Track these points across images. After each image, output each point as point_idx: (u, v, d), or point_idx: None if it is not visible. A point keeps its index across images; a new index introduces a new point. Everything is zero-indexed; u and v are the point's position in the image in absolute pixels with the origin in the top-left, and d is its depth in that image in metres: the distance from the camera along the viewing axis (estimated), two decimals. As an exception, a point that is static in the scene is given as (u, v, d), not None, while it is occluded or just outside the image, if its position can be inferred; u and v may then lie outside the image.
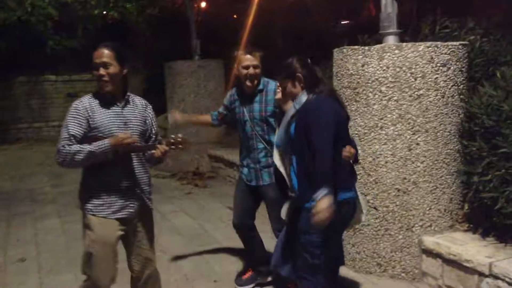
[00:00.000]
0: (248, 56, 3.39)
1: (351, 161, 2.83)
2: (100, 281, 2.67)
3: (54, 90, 12.55)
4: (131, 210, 2.71)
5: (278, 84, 3.11)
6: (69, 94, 12.43)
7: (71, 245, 4.62)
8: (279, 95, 3.15)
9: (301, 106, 2.77)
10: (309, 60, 2.87)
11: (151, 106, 2.90)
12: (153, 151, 2.69)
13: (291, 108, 2.84)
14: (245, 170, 3.60)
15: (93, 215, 2.64)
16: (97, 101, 2.67)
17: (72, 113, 2.62)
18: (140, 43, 13.24)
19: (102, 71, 2.62)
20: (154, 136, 2.86)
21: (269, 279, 3.75)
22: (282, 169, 2.96)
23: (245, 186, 3.60)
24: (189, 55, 8.22)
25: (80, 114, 2.60)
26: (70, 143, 2.54)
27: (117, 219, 2.67)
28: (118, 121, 2.67)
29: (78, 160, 2.53)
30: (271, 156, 3.24)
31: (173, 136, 2.70)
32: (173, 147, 2.68)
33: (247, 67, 3.38)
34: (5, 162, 9.07)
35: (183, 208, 5.86)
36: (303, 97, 2.78)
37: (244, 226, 3.64)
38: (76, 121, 2.58)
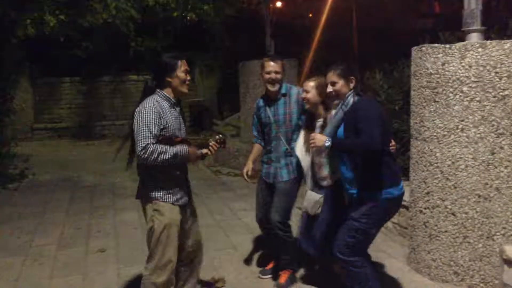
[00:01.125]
0: (271, 62, 3.66)
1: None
2: (172, 260, 2.98)
3: (136, 89, 13.15)
4: (187, 198, 3.11)
5: (313, 84, 3.37)
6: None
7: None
8: (305, 95, 3.40)
9: (349, 107, 2.98)
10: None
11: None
12: (207, 151, 3.07)
13: (338, 111, 3.05)
14: (265, 168, 3.80)
15: (164, 201, 2.95)
16: (165, 103, 2.97)
17: (149, 113, 2.84)
18: (217, 44, 13.55)
19: (189, 76, 3.05)
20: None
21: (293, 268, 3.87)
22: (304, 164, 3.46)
23: (264, 184, 3.82)
24: (263, 55, 8.27)
25: (156, 115, 2.85)
26: (154, 142, 2.80)
27: (179, 206, 3.02)
28: (177, 122, 3.00)
29: (162, 159, 2.81)
30: (291, 156, 3.64)
31: (217, 136, 3.14)
32: (220, 146, 3.12)
33: (269, 73, 3.65)
34: (90, 157, 9.62)
35: (254, 206, 5.89)
36: (350, 99, 3.00)
37: (267, 222, 3.77)
38: (155, 122, 2.83)
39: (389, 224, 4.89)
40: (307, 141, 3.40)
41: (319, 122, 3.42)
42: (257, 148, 3.93)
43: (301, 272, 3.92)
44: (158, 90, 2.99)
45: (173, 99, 3.01)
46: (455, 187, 3.58)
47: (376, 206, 2.97)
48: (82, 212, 5.84)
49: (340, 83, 3.02)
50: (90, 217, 5.63)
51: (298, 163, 3.60)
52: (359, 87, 3.05)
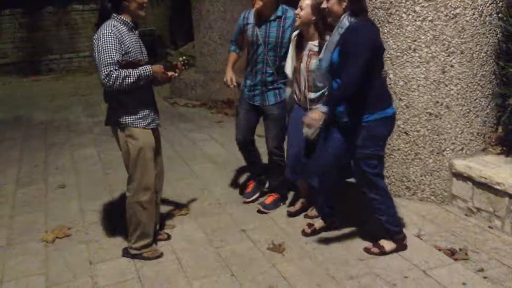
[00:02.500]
0: None
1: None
2: (150, 182, 3.09)
3: (82, 20, 12.49)
4: (158, 122, 3.17)
5: (308, 2, 3.18)
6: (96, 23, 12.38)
7: (108, 172, 4.81)
8: (298, 11, 3.23)
9: (344, 30, 2.81)
10: None
11: None
12: (173, 73, 3.10)
13: (335, 34, 2.88)
14: (247, 91, 3.75)
15: (135, 127, 3.00)
16: (123, 27, 2.91)
17: (108, 40, 2.80)
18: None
19: None
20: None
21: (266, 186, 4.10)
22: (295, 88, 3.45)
23: (247, 105, 3.78)
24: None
25: (116, 41, 2.82)
26: (117, 68, 2.79)
27: (151, 129, 3.08)
28: (137, 45, 2.97)
29: (127, 83, 2.83)
30: (277, 80, 3.61)
31: (181, 58, 3.20)
32: (184, 67, 3.16)
33: None
34: (39, 93, 9.27)
35: (213, 136, 5.94)
36: (346, 21, 2.81)
37: (248, 142, 3.88)
38: (115, 47, 2.80)
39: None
40: (295, 60, 3.39)
41: (310, 45, 3.29)
42: (234, 56, 3.85)
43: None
44: (114, 14, 2.91)
45: (130, 23, 2.95)
46: (407, 107, 3.70)
47: (376, 126, 2.92)
48: (37, 150, 5.71)
49: (334, 1, 2.82)
50: (47, 155, 5.52)
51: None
52: (358, 8, 2.80)
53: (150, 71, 2.92)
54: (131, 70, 2.85)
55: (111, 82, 2.78)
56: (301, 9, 3.21)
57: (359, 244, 3.27)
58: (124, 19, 2.92)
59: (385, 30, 3.66)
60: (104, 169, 4.93)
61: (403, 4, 3.54)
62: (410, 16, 3.54)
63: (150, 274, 3.05)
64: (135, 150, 3.00)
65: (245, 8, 7.66)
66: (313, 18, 3.20)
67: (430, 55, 3.55)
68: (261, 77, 3.64)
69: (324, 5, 2.89)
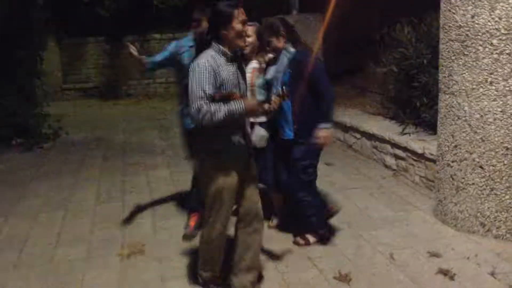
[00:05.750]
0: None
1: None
2: (224, 221, 2.94)
3: (159, 48, 13.11)
4: (246, 161, 2.96)
5: (253, 29, 3.70)
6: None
7: (179, 193, 5.01)
8: (248, 49, 3.68)
9: (293, 56, 3.54)
10: (289, 21, 3.80)
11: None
12: (268, 106, 3.02)
13: (282, 59, 3.55)
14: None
15: (217, 166, 2.84)
16: (221, 58, 2.76)
17: (203, 71, 2.67)
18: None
19: (246, 27, 2.83)
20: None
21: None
22: None
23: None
24: (286, 9, 8.18)
25: (211, 73, 2.68)
26: (208, 102, 2.65)
27: (236, 168, 2.87)
28: (234, 78, 2.80)
29: (217, 119, 2.66)
30: None
31: (280, 89, 3.05)
32: (282, 99, 3.05)
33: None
34: (118, 116, 9.82)
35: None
36: (291, 49, 3.55)
37: None
38: (208, 81, 2.66)
39: (416, 178, 4.96)
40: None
41: (252, 63, 3.77)
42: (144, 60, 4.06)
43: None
44: (214, 43, 2.78)
45: (229, 53, 2.79)
46: (483, 140, 3.61)
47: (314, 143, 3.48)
48: (115, 169, 6.06)
49: (274, 41, 3.53)
50: (124, 174, 5.84)
51: None
52: (294, 39, 3.61)
53: (242, 106, 2.71)
54: (221, 105, 2.68)
55: (200, 117, 2.65)
56: (249, 36, 3.50)
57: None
58: (223, 49, 2.77)
59: (460, 62, 3.62)
60: (176, 190, 5.14)
61: (479, 37, 3.49)
62: (487, 49, 3.48)
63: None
64: (213, 188, 2.85)
65: (315, 37, 7.84)
66: (257, 43, 3.70)
67: (507, 88, 3.46)
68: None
69: (275, 43, 3.53)
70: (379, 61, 6.32)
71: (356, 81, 8.18)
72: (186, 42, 3.94)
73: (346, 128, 6.50)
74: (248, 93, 3.44)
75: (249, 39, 3.56)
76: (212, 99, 2.68)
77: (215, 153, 2.85)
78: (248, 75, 3.51)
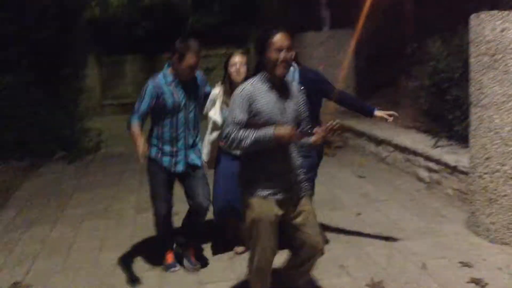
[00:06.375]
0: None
1: None
2: (263, 256, 2.78)
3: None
4: (287, 193, 2.75)
5: (244, 59, 3.69)
6: (207, 68, 13.31)
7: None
8: (241, 77, 3.58)
9: (304, 72, 3.63)
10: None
11: (303, 90, 2.88)
12: (311, 138, 2.76)
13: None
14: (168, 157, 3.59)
15: (252, 196, 2.73)
16: (261, 86, 2.68)
17: (237, 98, 2.66)
18: (269, 17, 13.58)
19: (287, 54, 2.61)
20: (304, 121, 2.85)
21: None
22: None
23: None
24: (317, 25, 8.34)
25: (245, 101, 2.63)
26: (238, 128, 2.62)
27: (275, 200, 2.73)
28: (277, 108, 2.67)
29: (244, 146, 2.62)
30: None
31: (331, 122, 2.67)
32: (330, 133, 2.72)
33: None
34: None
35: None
36: (295, 65, 3.59)
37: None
38: (241, 108, 2.63)
39: (449, 190, 4.99)
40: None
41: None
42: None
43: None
44: (262, 70, 2.72)
45: (272, 81, 2.68)
46: (515, 152, 3.65)
47: None
48: (153, 181, 6.28)
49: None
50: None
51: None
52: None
53: (271, 134, 2.57)
54: (249, 132, 2.60)
55: (228, 143, 2.64)
56: (240, 66, 3.62)
57: None
58: (268, 75, 2.69)
59: (490, 76, 3.69)
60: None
61: (508, 50, 3.56)
62: (517, 62, 3.55)
63: None
64: (249, 219, 2.76)
65: (347, 53, 7.94)
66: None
67: (539, 100, 3.51)
68: (183, 141, 3.56)
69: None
70: (411, 75, 6.39)
71: (388, 95, 8.24)
72: (163, 78, 3.53)
73: (378, 142, 6.57)
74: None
75: (242, 69, 3.62)
76: (246, 125, 2.63)
77: (248, 182, 2.76)
78: None
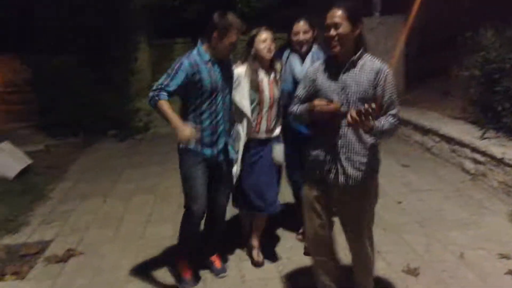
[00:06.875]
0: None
1: None
2: (311, 230, 2.83)
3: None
4: (331, 175, 2.67)
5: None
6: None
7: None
8: (272, 46, 3.38)
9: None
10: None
11: (387, 71, 2.61)
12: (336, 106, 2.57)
13: (313, 56, 3.45)
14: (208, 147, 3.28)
15: (304, 174, 2.86)
16: (323, 65, 2.71)
17: (305, 74, 2.81)
18: (315, 1, 13.45)
19: (332, 32, 2.54)
20: (385, 105, 2.59)
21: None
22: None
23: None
24: (369, 11, 8.24)
25: (307, 78, 2.74)
26: (296, 103, 2.77)
27: (317, 182, 2.74)
28: (335, 85, 2.60)
29: (295, 118, 2.80)
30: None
31: (367, 105, 2.35)
32: (363, 117, 2.38)
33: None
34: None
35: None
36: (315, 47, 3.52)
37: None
38: (304, 84, 2.76)
39: (494, 182, 4.92)
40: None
41: (271, 74, 3.42)
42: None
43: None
44: None
45: (333, 59, 2.66)
46: None
47: None
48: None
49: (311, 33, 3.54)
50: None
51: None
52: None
53: (307, 105, 2.66)
54: (298, 106, 2.76)
55: (290, 118, 2.90)
56: (270, 43, 3.34)
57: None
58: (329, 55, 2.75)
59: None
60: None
61: None
62: None
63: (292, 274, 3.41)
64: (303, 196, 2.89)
65: (397, 40, 7.78)
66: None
67: None
68: (223, 128, 3.27)
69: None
70: (463, 64, 6.26)
71: (438, 84, 8.08)
72: (198, 56, 3.20)
73: (425, 131, 6.49)
74: (266, 109, 3.36)
75: (272, 46, 3.36)
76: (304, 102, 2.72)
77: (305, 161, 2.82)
78: (266, 89, 3.36)
